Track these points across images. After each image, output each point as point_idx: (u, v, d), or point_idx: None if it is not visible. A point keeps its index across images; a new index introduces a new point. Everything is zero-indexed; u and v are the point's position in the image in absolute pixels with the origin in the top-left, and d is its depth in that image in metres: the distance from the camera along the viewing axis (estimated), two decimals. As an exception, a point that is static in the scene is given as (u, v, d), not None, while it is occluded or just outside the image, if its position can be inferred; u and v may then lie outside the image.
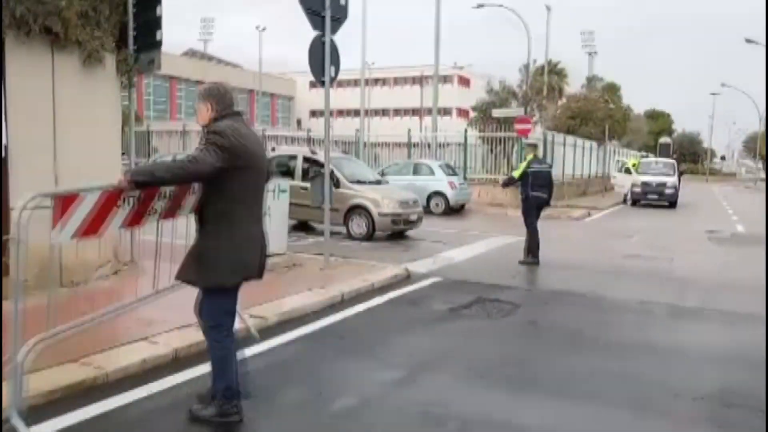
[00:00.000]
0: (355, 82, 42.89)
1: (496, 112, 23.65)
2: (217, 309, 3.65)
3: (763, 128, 56.39)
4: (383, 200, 11.87)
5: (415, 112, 58.95)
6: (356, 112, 36.13)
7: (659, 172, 24.25)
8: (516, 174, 9.93)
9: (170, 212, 4.09)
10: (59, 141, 6.18)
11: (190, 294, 3.81)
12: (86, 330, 4.05)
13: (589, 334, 6.03)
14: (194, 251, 3.61)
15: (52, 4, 5.76)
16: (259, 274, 3.76)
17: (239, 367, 3.78)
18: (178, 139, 26.24)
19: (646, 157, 35.92)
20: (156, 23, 7.14)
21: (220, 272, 3.53)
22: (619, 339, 5.90)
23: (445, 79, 55.85)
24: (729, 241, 13.96)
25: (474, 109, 29.04)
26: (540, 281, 8.77)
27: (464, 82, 63.83)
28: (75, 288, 6.24)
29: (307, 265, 8.33)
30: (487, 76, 29.64)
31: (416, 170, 18.25)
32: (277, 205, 8.09)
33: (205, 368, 4.00)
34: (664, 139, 54.31)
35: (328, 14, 7.83)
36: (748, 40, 39.80)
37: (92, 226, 3.51)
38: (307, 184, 10.92)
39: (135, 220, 3.81)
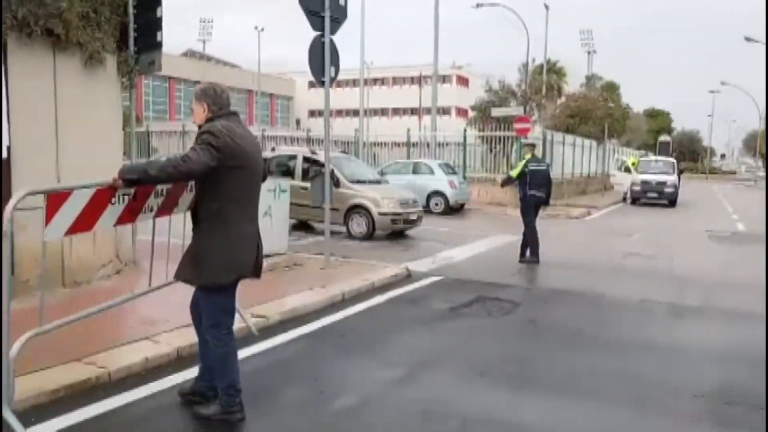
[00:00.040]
0: (354, 82, 42.97)
1: (496, 112, 23.59)
2: (215, 308, 3.67)
3: (763, 126, 56.38)
4: (383, 200, 11.89)
5: (414, 111, 58.88)
6: (355, 112, 36.10)
7: (659, 170, 24.21)
8: (514, 173, 9.95)
9: (165, 210, 4.11)
10: (61, 141, 6.20)
11: (191, 293, 3.84)
12: (86, 329, 4.07)
13: (589, 332, 6.05)
14: (190, 250, 3.66)
15: (53, 6, 5.77)
16: (255, 274, 3.79)
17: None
18: (178, 140, 26.28)
19: (646, 155, 35.88)
20: (156, 24, 7.17)
21: (214, 271, 3.55)
22: (619, 337, 5.92)
23: (444, 78, 55.84)
24: (729, 239, 13.97)
25: (473, 108, 29.06)
26: (540, 280, 8.78)
27: (463, 81, 63.79)
28: (77, 288, 6.27)
29: (308, 265, 8.35)
30: (486, 76, 29.60)
31: (416, 169, 18.24)
32: (277, 204, 8.12)
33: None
34: (663, 138, 54.26)
35: (327, 15, 7.86)
36: (748, 39, 39.83)
37: (85, 223, 3.54)
38: (307, 184, 10.92)
39: (129, 217, 3.84)
